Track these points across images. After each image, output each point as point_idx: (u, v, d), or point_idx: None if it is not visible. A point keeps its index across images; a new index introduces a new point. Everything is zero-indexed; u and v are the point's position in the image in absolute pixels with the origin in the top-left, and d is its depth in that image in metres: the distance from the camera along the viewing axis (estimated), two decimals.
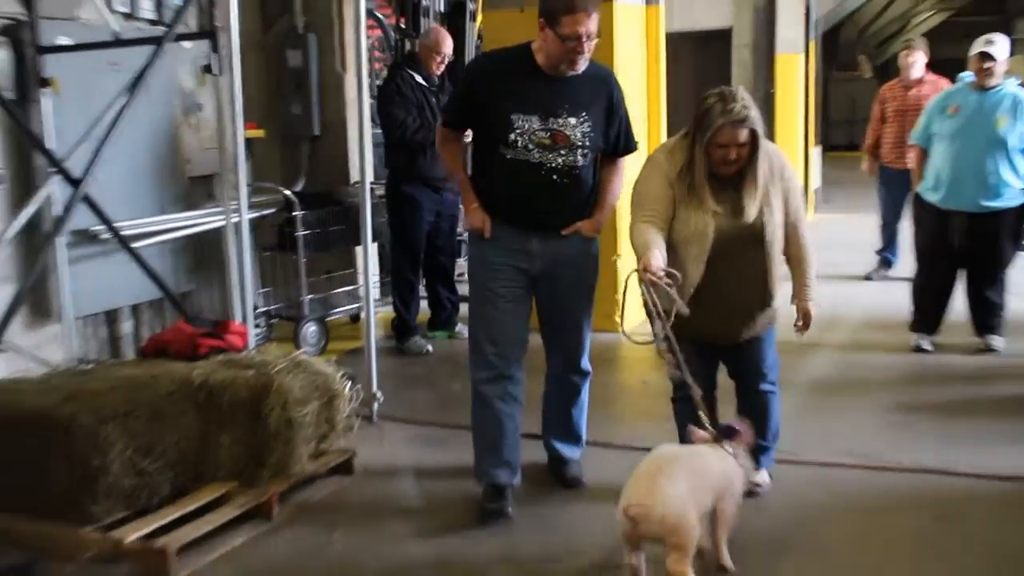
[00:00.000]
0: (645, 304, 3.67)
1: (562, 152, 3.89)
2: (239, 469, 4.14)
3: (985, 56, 6.01)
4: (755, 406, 4.05)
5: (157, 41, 4.66)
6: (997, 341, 6.19)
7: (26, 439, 3.82)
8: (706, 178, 3.71)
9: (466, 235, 5.52)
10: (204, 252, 6.74)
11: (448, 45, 6.41)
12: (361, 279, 7.20)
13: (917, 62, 8.09)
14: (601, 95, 3.98)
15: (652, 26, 7.11)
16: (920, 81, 8.09)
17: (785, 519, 3.88)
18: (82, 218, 5.04)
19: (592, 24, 3.75)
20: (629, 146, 4.16)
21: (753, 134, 3.65)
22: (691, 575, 3.20)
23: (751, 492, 3.99)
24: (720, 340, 4.00)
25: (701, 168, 3.70)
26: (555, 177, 3.91)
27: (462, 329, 6.82)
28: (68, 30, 5.59)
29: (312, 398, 4.29)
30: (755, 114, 3.66)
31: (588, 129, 3.91)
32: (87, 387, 4.01)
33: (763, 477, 4.12)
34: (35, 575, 2.94)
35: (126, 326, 6.33)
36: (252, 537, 3.94)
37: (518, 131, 3.85)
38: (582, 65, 3.84)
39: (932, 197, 6.18)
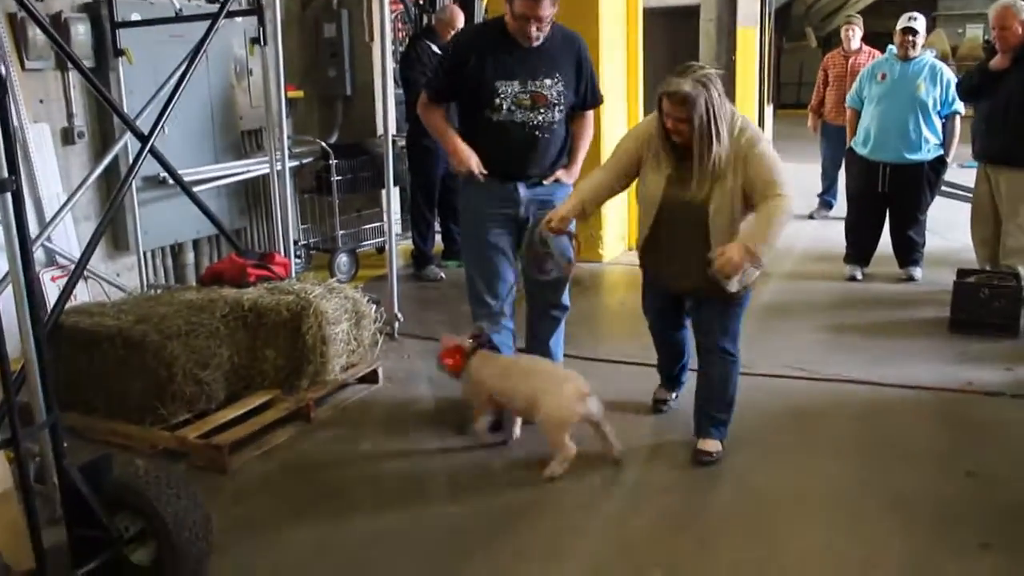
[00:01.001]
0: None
1: (541, 111, 3.71)
2: (281, 378, 4.10)
3: (907, 31, 5.94)
4: (710, 368, 3.63)
5: (213, 17, 4.49)
6: (917, 272, 6.11)
7: (107, 354, 3.77)
8: (664, 140, 3.38)
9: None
10: (253, 194, 6.65)
11: (461, 19, 6.24)
12: (385, 216, 7.18)
13: (855, 35, 7.89)
14: (571, 56, 3.77)
15: (632, 3, 6.88)
16: (858, 51, 7.88)
17: (738, 421, 3.74)
18: (151, 166, 4.92)
19: (543, 11, 3.51)
20: (596, 99, 3.94)
21: (692, 111, 3.18)
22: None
23: (701, 461, 3.57)
24: (676, 288, 3.65)
25: (660, 132, 3.38)
26: (537, 133, 3.73)
27: None
28: (139, 8, 5.44)
29: (343, 319, 4.23)
30: (690, 90, 3.15)
31: (562, 88, 3.73)
32: (155, 310, 3.95)
33: (715, 446, 3.60)
34: (109, 468, 2.87)
35: (188, 257, 6.25)
36: (293, 435, 3.91)
37: (502, 96, 3.66)
38: (535, 41, 3.62)
39: (862, 150, 6.07)
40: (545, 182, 3.83)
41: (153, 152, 4.17)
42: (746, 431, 3.77)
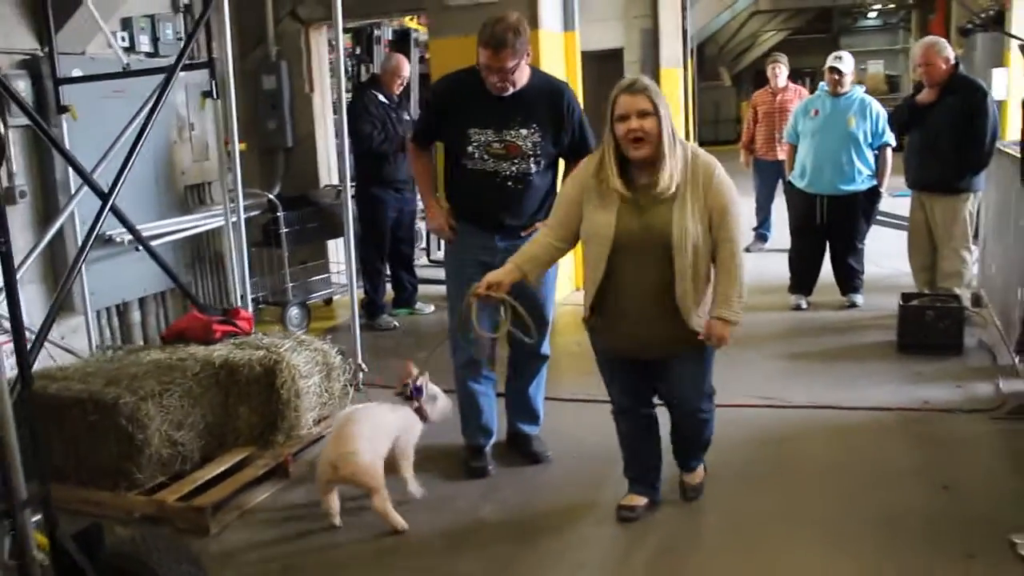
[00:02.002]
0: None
1: (515, 161, 3.68)
2: (256, 435, 4.04)
3: (834, 70, 6.23)
4: (688, 428, 3.48)
5: (165, 71, 4.46)
6: (858, 298, 6.37)
7: (76, 419, 3.67)
8: (614, 159, 3.07)
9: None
10: (195, 249, 6.56)
11: (407, 69, 6.36)
12: (338, 268, 7.18)
13: (782, 73, 8.24)
14: (551, 106, 3.70)
15: (570, 48, 7.08)
16: (784, 89, 8.24)
17: (715, 452, 3.72)
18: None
19: (504, 62, 3.50)
20: (587, 147, 3.76)
21: (655, 105, 2.99)
22: (391, 510, 3.43)
23: (689, 496, 3.59)
24: (633, 352, 3.28)
25: (610, 150, 3.07)
26: (509, 183, 3.71)
27: (421, 307, 6.78)
28: (80, 63, 5.36)
29: (315, 371, 4.21)
30: (652, 87, 3.04)
31: (539, 139, 3.67)
32: (125, 371, 3.87)
33: (699, 476, 3.64)
34: (100, 538, 2.80)
35: (135, 316, 6.11)
36: (274, 492, 3.86)
37: (475, 143, 3.66)
38: (503, 90, 3.61)
39: (800, 183, 6.33)
40: (523, 233, 3.77)
41: (114, 210, 4.11)
42: (724, 461, 3.83)
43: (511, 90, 3.65)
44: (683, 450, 3.60)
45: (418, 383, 3.73)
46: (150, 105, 4.31)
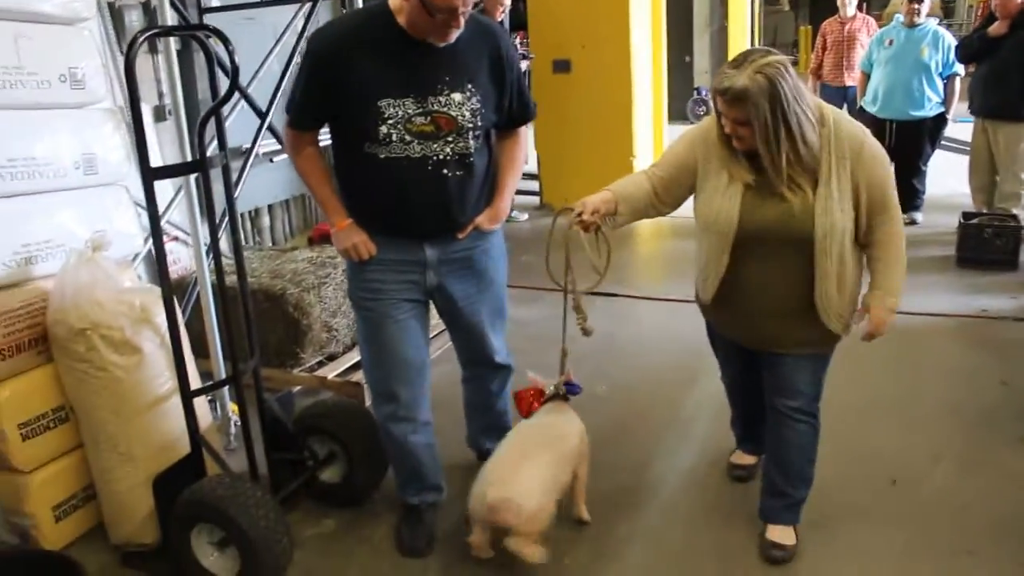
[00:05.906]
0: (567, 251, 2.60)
1: (449, 139, 2.47)
2: None
3: (912, 0, 6.24)
4: (790, 436, 2.68)
5: None
6: (918, 216, 6.54)
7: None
8: (729, 147, 2.44)
9: None
10: None
11: None
12: None
13: (851, 3, 8.17)
14: (486, 55, 2.51)
15: None
16: (853, 18, 8.16)
17: None
18: (233, 138, 5.13)
19: None
20: (526, 113, 2.70)
21: (751, 112, 2.25)
22: (535, 550, 2.52)
23: (774, 557, 2.73)
24: (751, 345, 2.70)
25: (722, 137, 2.44)
26: (445, 171, 2.50)
27: (516, 215, 7.05)
28: None
29: None
30: (748, 85, 2.22)
31: (478, 105, 2.48)
32: (285, 267, 4.25)
33: (790, 536, 2.77)
34: (291, 402, 3.23)
35: (264, 221, 6.52)
36: None
37: (390, 121, 2.41)
38: (452, 35, 2.38)
39: (871, 108, 6.45)
40: (460, 235, 2.66)
41: (270, 128, 4.45)
42: None
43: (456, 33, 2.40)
44: (778, 483, 2.76)
45: (572, 380, 2.89)
46: (298, 29, 4.61)
